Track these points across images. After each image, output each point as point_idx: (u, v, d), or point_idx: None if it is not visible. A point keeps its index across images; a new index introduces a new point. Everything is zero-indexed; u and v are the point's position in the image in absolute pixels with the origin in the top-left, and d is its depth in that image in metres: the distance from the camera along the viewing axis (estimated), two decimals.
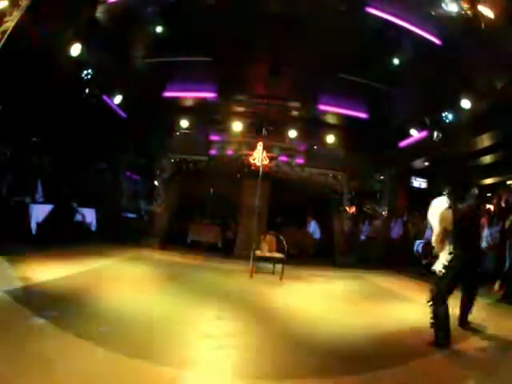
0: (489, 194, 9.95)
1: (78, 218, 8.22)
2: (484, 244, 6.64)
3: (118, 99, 8.66)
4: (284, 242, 7.22)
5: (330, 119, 9.79)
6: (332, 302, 5.38)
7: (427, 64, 7.09)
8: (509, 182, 9.85)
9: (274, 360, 3.06)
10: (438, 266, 3.74)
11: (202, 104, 9.47)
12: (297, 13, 6.92)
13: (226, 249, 9.82)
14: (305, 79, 8.53)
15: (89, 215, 8.63)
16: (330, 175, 10.15)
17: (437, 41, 6.70)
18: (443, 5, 5.80)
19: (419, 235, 9.45)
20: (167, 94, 9.09)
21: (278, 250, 7.26)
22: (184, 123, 9.80)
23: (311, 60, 7.77)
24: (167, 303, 4.47)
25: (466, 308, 4.02)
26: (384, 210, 10.69)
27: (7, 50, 4.82)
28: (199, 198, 11.02)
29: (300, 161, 10.09)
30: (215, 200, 11.12)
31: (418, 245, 9.00)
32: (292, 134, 9.82)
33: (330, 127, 9.88)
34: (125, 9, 6.60)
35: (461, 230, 3.69)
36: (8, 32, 4.79)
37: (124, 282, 5.39)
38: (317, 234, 10.66)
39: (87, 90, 7.63)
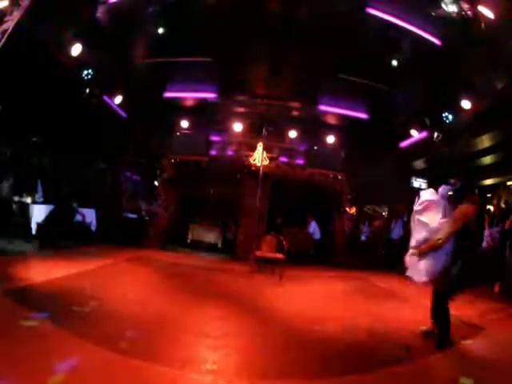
0: (489, 195, 9.95)
1: (78, 218, 8.20)
2: (484, 244, 6.65)
3: (118, 99, 8.68)
4: (284, 243, 7.22)
5: (330, 119, 9.78)
6: (332, 303, 5.37)
7: (427, 64, 7.10)
8: (509, 183, 9.84)
9: (274, 360, 3.05)
10: (436, 267, 3.68)
11: (202, 104, 9.47)
12: (297, 13, 6.93)
13: (226, 249, 9.81)
14: (305, 79, 8.54)
15: (89, 215, 8.61)
16: (331, 176, 10.15)
17: (437, 41, 6.71)
18: (443, 5, 5.82)
19: None
20: (167, 94, 9.09)
21: (278, 251, 7.26)
22: (184, 123, 9.81)
23: (311, 60, 7.78)
24: (167, 303, 4.46)
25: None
26: (384, 210, 10.68)
27: (7, 49, 4.83)
28: (199, 199, 11.02)
29: (300, 161, 10.09)
30: (215, 200, 11.11)
31: None
32: (292, 134, 9.82)
33: (330, 127, 9.88)
34: (125, 9, 6.62)
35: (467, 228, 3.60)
36: (8, 32, 4.80)
37: (124, 282, 5.38)
38: (317, 235, 10.63)
39: (87, 90, 7.65)
